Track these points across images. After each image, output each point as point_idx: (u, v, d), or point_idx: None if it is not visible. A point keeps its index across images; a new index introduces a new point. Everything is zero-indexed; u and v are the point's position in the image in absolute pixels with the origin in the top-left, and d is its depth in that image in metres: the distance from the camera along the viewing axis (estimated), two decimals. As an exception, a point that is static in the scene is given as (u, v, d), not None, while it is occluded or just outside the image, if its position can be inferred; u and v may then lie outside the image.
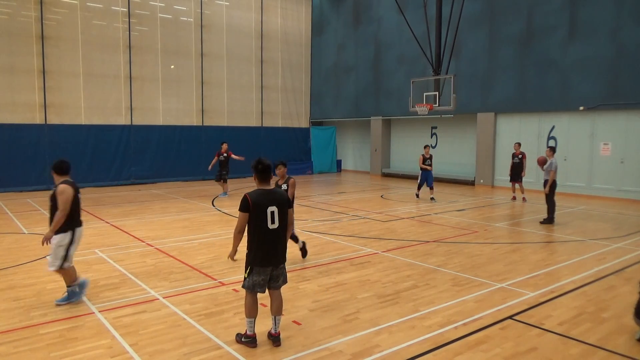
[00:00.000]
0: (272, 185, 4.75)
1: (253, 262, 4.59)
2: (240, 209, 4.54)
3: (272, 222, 4.56)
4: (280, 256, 4.68)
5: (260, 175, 4.65)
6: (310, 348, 4.64)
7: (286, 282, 4.86)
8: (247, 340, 4.68)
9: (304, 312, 5.55)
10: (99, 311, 5.54)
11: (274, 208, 4.56)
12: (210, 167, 15.66)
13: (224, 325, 5.16)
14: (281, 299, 4.80)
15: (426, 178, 15.03)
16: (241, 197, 4.58)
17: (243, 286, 4.68)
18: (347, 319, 5.38)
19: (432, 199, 15.03)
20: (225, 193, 15.70)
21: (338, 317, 5.42)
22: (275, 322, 4.75)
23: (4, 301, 5.87)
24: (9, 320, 5.26)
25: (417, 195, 15.56)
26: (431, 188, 15.10)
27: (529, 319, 5.43)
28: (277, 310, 4.76)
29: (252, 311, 4.67)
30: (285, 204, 4.68)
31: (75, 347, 4.64)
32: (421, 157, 15.08)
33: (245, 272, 4.66)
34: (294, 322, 5.27)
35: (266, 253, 4.58)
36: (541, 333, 5.04)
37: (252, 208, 4.51)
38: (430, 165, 15.09)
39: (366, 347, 4.67)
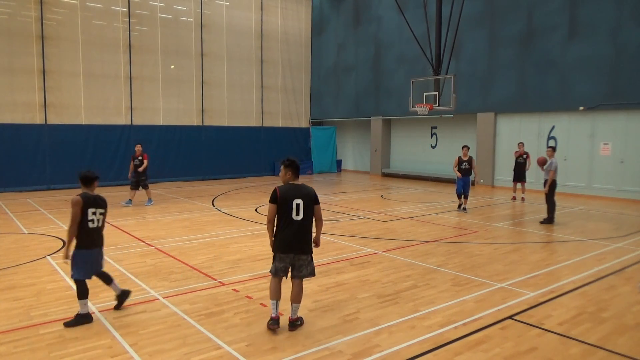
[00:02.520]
0: (299, 181, 5.14)
1: (276, 249, 5.04)
2: (270, 201, 4.98)
3: (297, 213, 4.96)
4: (300, 245, 5.00)
5: (291, 170, 5.12)
6: (310, 348, 4.64)
7: (313, 274, 5.16)
8: (270, 322, 4.96)
9: (304, 312, 5.55)
10: (99, 311, 5.54)
11: (299, 201, 4.97)
12: (129, 174, 13.59)
13: (224, 325, 5.16)
14: (301, 288, 5.08)
15: (462, 185, 12.80)
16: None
17: (270, 271, 5.12)
18: (347, 319, 5.38)
19: (463, 208, 12.97)
20: (150, 200, 13.81)
21: (338, 317, 5.42)
22: (293, 309, 5.07)
23: (4, 301, 5.87)
24: (9, 320, 5.26)
25: (464, 209, 12.91)
26: (465, 197, 12.94)
27: (529, 319, 5.43)
28: (295, 297, 5.06)
29: (273, 294, 5.03)
30: (312, 199, 5.06)
31: (75, 347, 4.64)
32: (456, 159, 12.88)
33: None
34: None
35: (288, 241, 4.96)
36: (541, 333, 5.04)
37: (279, 200, 4.94)
38: (470, 169, 12.82)
39: (366, 347, 4.67)
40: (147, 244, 9.03)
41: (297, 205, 4.94)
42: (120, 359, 4.41)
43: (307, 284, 6.61)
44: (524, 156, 15.07)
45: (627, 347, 4.74)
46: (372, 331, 5.05)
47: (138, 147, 13.83)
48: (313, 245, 5.17)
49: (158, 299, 5.99)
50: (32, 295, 6.11)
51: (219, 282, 6.71)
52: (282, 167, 5.12)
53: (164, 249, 8.57)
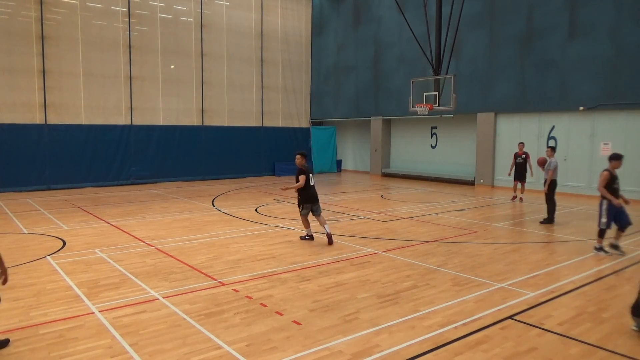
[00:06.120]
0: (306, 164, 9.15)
1: (305, 201, 8.96)
2: (300, 174, 8.82)
3: (312, 181, 8.99)
4: (317, 197, 9.08)
5: (305, 159, 9.09)
6: (310, 348, 4.64)
7: (321, 211, 9.23)
8: (308, 237, 9.28)
9: (304, 312, 5.56)
10: (99, 311, 5.54)
11: (311, 174, 9.00)
12: None
13: (224, 325, 5.16)
14: (323, 217, 9.18)
15: (618, 214, 8.29)
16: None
17: (301, 213, 9.12)
18: (347, 319, 5.38)
19: (615, 246, 8.51)
20: None
21: (338, 317, 5.42)
22: (326, 228, 9.00)
23: (4, 301, 5.84)
24: (9, 320, 5.25)
25: (603, 250, 8.48)
26: (622, 229, 8.39)
27: (529, 319, 5.43)
28: (322, 222, 9.09)
29: (305, 224, 9.22)
30: (312, 172, 9.12)
31: (75, 347, 4.64)
32: (606, 174, 8.46)
33: (300, 207, 9.09)
34: (294, 322, 5.27)
35: (312, 196, 8.98)
36: (541, 333, 5.04)
37: (307, 173, 8.85)
38: (617, 190, 8.51)
39: (366, 347, 4.67)
40: (147, 244, 9.03)
41: (311, 176, 8.99)
42: (120, 359, 4.41)
43: (307, 284, 6.63)
44: (523, 156, 15.06)
45: (627, 347, 4.74)
46: (372, 331, 5.05)
47: None
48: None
49: (158, 299, 5.99)
50: (32, 295, 6.11)
51: (219, 282, 6.71)
52: (299, 155, 9.06)
53: (164, 249, 8.57)
